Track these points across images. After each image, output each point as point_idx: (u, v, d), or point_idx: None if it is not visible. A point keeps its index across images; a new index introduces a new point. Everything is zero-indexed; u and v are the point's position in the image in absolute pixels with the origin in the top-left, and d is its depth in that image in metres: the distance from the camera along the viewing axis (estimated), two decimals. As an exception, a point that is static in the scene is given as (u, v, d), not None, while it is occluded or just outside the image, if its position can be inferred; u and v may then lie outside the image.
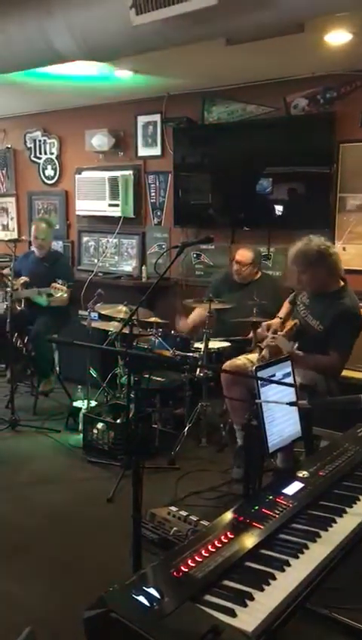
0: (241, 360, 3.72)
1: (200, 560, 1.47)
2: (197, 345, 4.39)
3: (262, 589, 1.40)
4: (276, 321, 3.66)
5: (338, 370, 3.49)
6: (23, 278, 5.03)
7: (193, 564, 1.45)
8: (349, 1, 2.51)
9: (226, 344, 4.40)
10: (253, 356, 3.70)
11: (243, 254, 4.62)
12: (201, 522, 2.81)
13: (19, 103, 6.11)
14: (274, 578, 1.45)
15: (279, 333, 3.48)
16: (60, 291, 4.54)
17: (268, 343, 3.46)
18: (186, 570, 1.43)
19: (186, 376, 4.26)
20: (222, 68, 4.49)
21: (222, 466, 3.85)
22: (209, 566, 1.46)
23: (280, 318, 3.68)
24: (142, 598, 1.31)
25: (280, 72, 4.64)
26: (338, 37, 3.67)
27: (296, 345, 3.36)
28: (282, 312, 3.75)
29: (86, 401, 4.51)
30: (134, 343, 4.32)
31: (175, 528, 2.84)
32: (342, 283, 3.50)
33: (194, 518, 2.87)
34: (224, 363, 3.94)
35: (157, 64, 4.27)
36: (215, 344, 4.34)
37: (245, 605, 1.34)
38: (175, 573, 1.42)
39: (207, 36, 2.91)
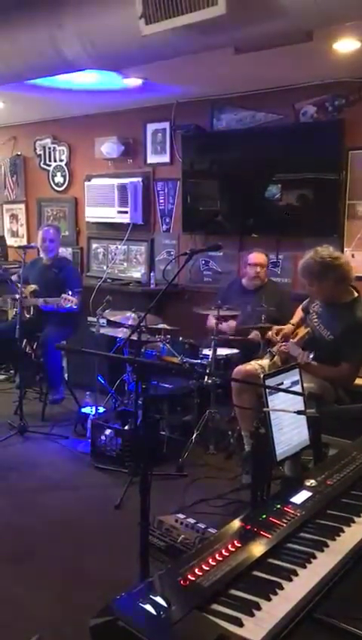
0: (252, 365, 3.72)
1: (207, 569, 1.46)
2: (205, 351, 4.40)
3: (269, 599, 1.39)
4: (288, 327, 3.68)
5: (351, 381, 3.47)
6: (32, 285, 5.05)
7: (200, 573, 1.44)
8: (358, 10, 2.51)
9: (235, 351, 4.40)
10: (264, 361, 3.70)
11: (259, 257, 4.65)
12: (209, 530, 2.80)
13: (29, 111, 6.16)
14: (282, 588, 1.44)
15: (291, 340, 3.48)
16: (70, 302, 4.55)
17: (280, 349, 3.46)
18: (193, 578, 1.42)
19: (194, 383, 4.26)
20: (231, 76, 4.51)
21: (230, 473, 3.85)
22: (216, 575, 1.45)
23: (293, 325, 3.70)
24: (149, 607, 1.30)
25: (288, 79, 4.65)
26: (346, 45, 3.68)
27: (312, 355, 3.34)
28: (294, 319, 3.76)
29: (94, 408, 4.52)
30: (143, 350, 4.33)
31: (182, 536, 2.83)
32: (356, 294, 3.48)
33: (201, 525, 2.86)
34: (232, 369, 3.94)
35: (166, 72, 4.29)
36: (223, 351, 4.34)
37: (252, 615, 1.33)
38: (182, 582, 1.41)
39: (216, 45, 2.93)
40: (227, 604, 1.37)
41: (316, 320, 3.54)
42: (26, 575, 2.79)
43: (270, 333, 3.73)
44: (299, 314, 3.78)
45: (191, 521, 2.92)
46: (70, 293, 4.56)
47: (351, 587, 1.70)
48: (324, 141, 4.69)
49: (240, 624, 1.30)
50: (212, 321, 4.43)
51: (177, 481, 3.73)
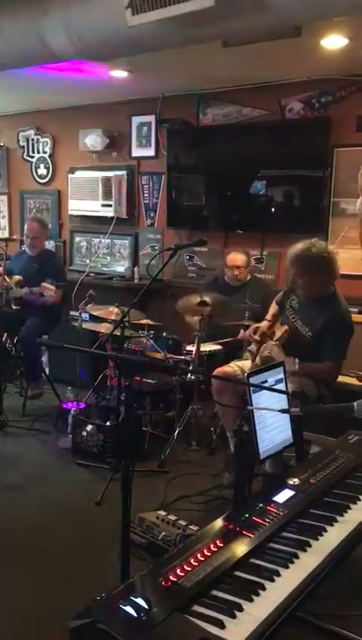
0: (231, 367, 3.65)
1: (189, 569, 1.45)
2: (188, 348, 4.37)
3: (251, 600, 1.38)
4: (264, 324, 3.61)
5: (334, 378, 3.45)
6: (16, 276, 4.99)
7: (182, 574, 1.43)
8: (346, 5, 2.50)
9: (218, 347, 4.39)
10: (243, 363, 3.64)
11: (238, 258, 4.61)
12: (190, 527, 2.79)
13: (12, 101, 6.07)
14: (264, 588, 1.43)
15: (271, 342, 3.42)
16: (49, 291, 4.50)
17: (263, 354, 3.40)
18: (175, 579, 1.41)
19: (177, 379, 4.23)
20: (218, 70, 4.48)
21: (212, 469, 3.83)
22: (198, 575, 1.43)
23: (269, 321, 3.64)
24: (129, 609, 1.28)
25: (275, 75, 4.63)
26: (334, 41, 3.67)
27: (297, 361, 3.27)
28: (269, 314, 3.69)
29: (75, 403, 4.47)
30: (126, 345, 4.30)
31: (163, 533, 2.81)
32: (333, 288, 3.43)
33: (183, 522, 2.84)
34: (215, 366, 3.91)
35: (152, 65, 4.24)
36: (206, 347, 4.32)
37: (234, 616, 1.32)
38: (163, 583, 1.39)
39: (204, 38, 2.89)
40: (209, 605, 1.36)
41: (293, 316, 3.48)
42: (4, 572, 2.75)
43: (247, 332, 3.66)
44: (273, 308, 3.69)
45: (173, 517, 2.89)
46: (49, 281, 4.49)
47: (333, 585, 1.70)
48: (310, 138, 4.69)
49: (222, 626, 1.29)
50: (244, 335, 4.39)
51: (159, 478, 3.71)
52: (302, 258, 3.30)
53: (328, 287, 3.40)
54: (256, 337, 3.49)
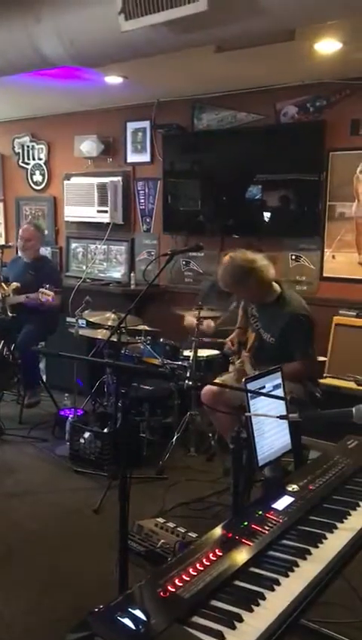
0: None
1: (187, 579, 1.42)
2: (186, 353, 4.35)
3: (251, 610, 1.36)
4: (236, 334, 3.61)
5: (313, 373, 3.44)
6: (14, 283, 4.96)
7: (180, 584, 1.40)
8: (340, 9, 2.49)
9: (215, 352, 4.37)
10: (227, 377, 3.62)
11: None
12: (189, 534, 2.77)
13: (7, 108, 6.07)
14: (264, 598, 1.41)
15: (244, 354, 3.41)
16: (47, 296, 4.48)
17: (237, 368, 3.40)
18: (173, 590, 1.38)
19: (175, 385, 4.22)
20: (213, 75, 4.48)
21: (211, 475, 3.82)
22: (197, 585, 1.41)
23: (240, 328, 3.63)
24: (127, 621, 1.26)
25: (270, 79, 4.64)
26: (328, 45, 3.67)
27: None
28: (240, 322, 3.68)
29: (73, 410, 4.45)
30: (123, 351, 4.28)
31: (162, 540, 2.79)
32: (279, 289, 3.40)
33: (182, 529, 2.82)
34: (213, 370, 3.89)
35: (147, 70, 4.24)
36: (204, 352, 4.30)
37: (233, 627, 1.29)
38: (162, 594, 1.37)
39: (197, 43, 2.88)
40: (208, 616, 1.33)
41: (256, 323, 3.49)
42: (2, 582, 2.72)
43: (226, 346, 3.67)
44: (240, 315, 3.68)
45: (172, 525, 2.88)
46: (47, 286, 4.47)
47: (332, 591, 1.68)
48: (305, 142, 4.68)
49: (222, 637, 1.26)
50: (190, 321, 4.38)
51: (157, 484, 3.69)
52: (225, 275, 3.37)
53: (266, 292, 3.38)
54: (234, 349, 3.49)
